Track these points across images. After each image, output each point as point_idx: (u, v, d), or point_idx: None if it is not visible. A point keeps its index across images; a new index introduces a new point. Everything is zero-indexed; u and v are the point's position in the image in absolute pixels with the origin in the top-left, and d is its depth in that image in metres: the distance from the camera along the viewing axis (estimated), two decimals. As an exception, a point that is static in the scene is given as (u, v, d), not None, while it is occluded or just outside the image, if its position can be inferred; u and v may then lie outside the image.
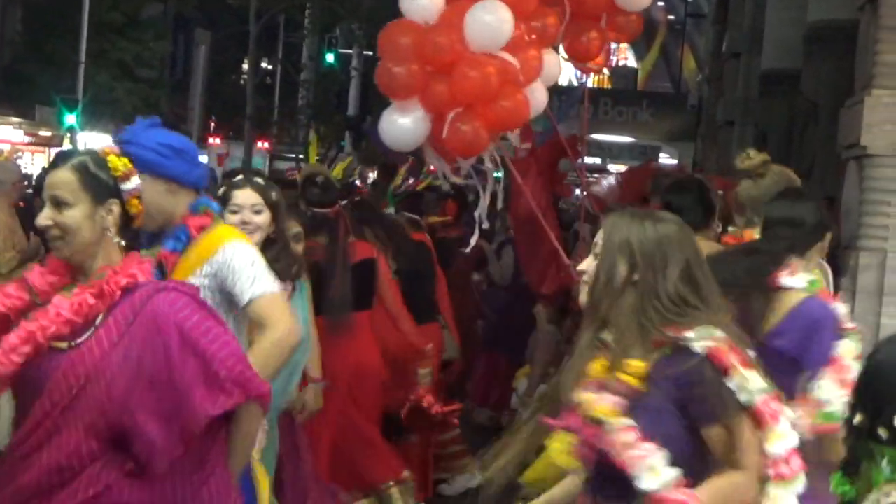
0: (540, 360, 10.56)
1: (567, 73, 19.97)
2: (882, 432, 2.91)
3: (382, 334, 8.97)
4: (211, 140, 41.26)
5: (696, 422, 3.99)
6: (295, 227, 6.88)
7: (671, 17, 45.55)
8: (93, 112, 40.09)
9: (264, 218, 5.94)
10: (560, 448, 4.34)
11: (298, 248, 6.99)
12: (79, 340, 4.03)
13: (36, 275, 4.17)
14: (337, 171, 10.60)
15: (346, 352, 8.37)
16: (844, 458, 3.12)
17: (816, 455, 4.57)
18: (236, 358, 4.14)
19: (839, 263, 8.77)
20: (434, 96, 8.59)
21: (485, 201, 9.57)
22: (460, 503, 10.10)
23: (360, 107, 40.41)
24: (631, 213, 4.23)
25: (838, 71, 10.95)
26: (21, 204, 10.64)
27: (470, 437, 10.41)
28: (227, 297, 5.16)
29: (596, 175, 23.86)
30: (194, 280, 5.06)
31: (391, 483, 8.63)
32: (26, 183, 10.82)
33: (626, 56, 61.03)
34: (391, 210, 10.62)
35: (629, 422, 3.94)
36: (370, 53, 41.11)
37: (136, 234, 4.43)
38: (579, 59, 10.03)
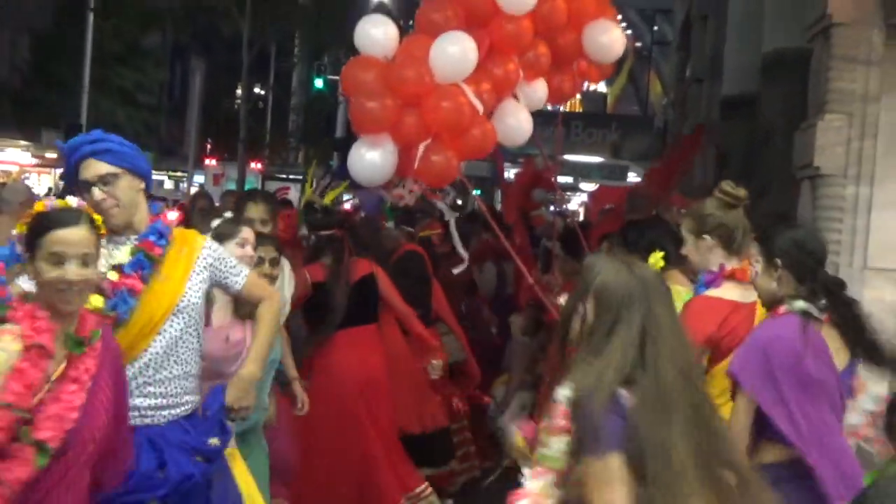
0: (516, 368, 10.55)
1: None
2: None
3: (392, 343, 9.00)
4: (207, 161, 41.27)
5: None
6: (271, 252, 6.82)
7: (638, 44, 45.63)
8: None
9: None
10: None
11: (274, 271, 6.91)
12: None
13: (40, 331, 4.10)
14: (328, 199, 10.61)
15: (357, 365, 8.41)
16: None
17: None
18: None
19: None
20: (405, 129, 8.37)
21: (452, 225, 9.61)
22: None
23: (348, 129, 40.31)
24: (611, 258, 4.18)
25: (793, 96, 10.98)
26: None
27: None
28: (219, 286, 5.38)
29: (568, 193, 23.93)
30: (197, 276, 5.20)
31: (402, 501, 8.59)
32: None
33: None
34: (390, 224, 10.61)
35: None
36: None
37: None
38: (554, 100, 10.00)
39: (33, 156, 45.11)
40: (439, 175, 8.60)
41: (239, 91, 37.24)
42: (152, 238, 5.13)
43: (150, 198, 5.46)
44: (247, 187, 29.35)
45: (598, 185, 28.25)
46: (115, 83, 43.85)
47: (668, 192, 12.53)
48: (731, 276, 5.75)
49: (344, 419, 8.35)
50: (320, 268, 8.51)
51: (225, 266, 5.35)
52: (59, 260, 4.11)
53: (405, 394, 9.16)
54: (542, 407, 4.23)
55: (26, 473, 3.95)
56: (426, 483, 8.86)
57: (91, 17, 40.23)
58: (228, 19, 32.96)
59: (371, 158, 8.32)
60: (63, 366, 4.11)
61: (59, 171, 39.33)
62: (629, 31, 42.63)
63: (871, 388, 5.27)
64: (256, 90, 41.59)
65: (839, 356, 5.11)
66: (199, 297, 5.18)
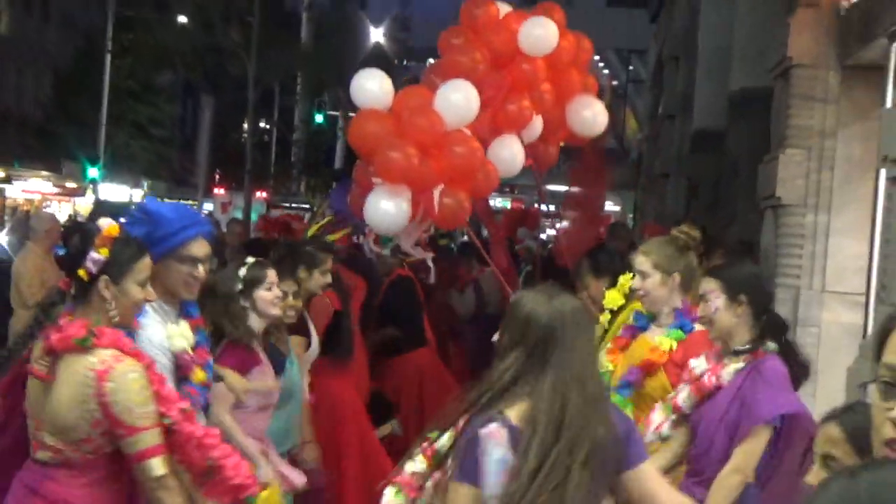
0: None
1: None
2: None
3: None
4: (216, 190, 41.19)
5: None
6: (291, 287, 6.73)
7: (615, 82, 45.75)
8: (112, 166, 40.10)
9: None
10: None
11: (297, 303, 6.78)
12: None
13: (139, 353, 4.15)
14: (312, 231, 10.54)
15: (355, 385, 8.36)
16: None
17: None
18: None
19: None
20: (421, 177, 8.18)
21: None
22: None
23: (346, 161, 40.30)
24: (539, 291, 3.96)
25: (757, 131, 11.01)
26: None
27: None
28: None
29: (550, 219, 23.94)
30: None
31: None
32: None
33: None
34: (386, 251, 10.54)
35: None
36: (353, 115, 41.16)
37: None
38: (541, 166, 9.91)
39: (54, 185, 45.02)
40: (454, 217, 8.52)
41: (245, 126, 37.27)
42: (193, 312, 5.08)
43: None
44: (253, 215, 29.30)
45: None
46: (130, 118, 43.93)
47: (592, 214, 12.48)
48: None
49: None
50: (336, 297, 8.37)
51: None
52: (145, 282, 4.19)
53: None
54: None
55: None
56: None
57: (108, 57, 40.32)
58: (235, 60, 33.02)
59: (387, 208, 8.16)
60: None
61: (79, 199, 39.20)
62: (606, 71, 42.87)
63: None
64: (261, 125, 41.60)
65: None
66: None
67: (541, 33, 8.77)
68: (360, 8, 39.47)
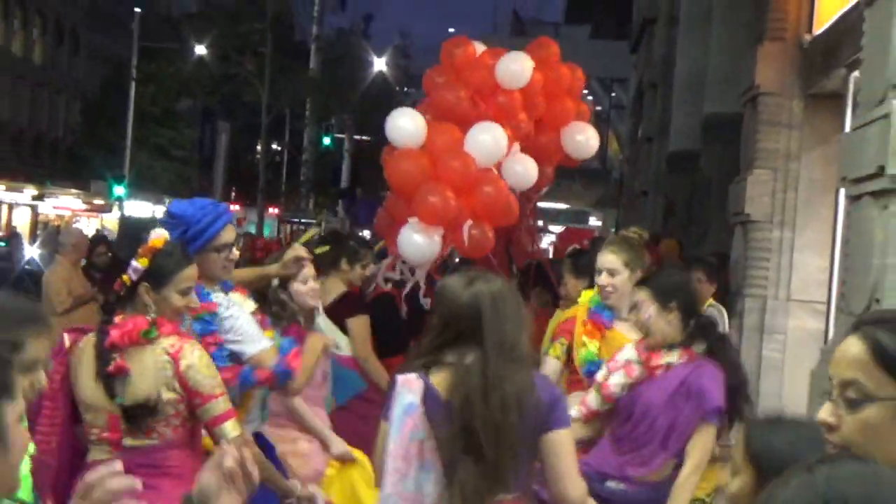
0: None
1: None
2: None
3: None
4: (231, 206, 41.28)
5: None
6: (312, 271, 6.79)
7: (599, 108, 45.73)
8: (136, 185, 40.13)
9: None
10: None
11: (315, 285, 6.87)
12: None
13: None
14: (302, 240, 10.47)
15: None
16: None
17: None
18: None
19: (730, 307, 8.83)
20: (457, 216, 8.29)
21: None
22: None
23: (351, 180, 40.37)
24: (461, 276, 3.97)
25: (728, 154, 11.01)
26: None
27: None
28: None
29: (539, 233, 23.96)
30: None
31: None
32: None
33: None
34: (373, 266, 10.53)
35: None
36: (358, 137, 41.17)
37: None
38: (537, 187, 9.81)
39: (83, 202, 45.15)
40: (479, 247, 8.60)
41: (258, 147, 37.26)
42: (228, 287, 5.12)
43: None
44: (265, 229, 29.31)
45: (564, 227, 28.28)
46: (153, 141, 43.93)
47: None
48: None
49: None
50: None
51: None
52: (188, 292, 4.22)
53: None
54: None
55: None
56: None
57: (133, 85, 40.34)
58: (250, 88, 33.03)
59: (420, 242, 8.26)
60: None
61: (106, 215, 39.18)
62: (590, 97, 42.84)
63: None
64: (273, 147, 41.60)
65: None
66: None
67: (517, 68, 8.88)
68: (364, 39, 39.39)
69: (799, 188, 9.14)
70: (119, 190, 39.30)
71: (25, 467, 2.81)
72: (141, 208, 41.64)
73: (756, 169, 9.22)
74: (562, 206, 40.56)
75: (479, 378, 3.64)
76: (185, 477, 4.01)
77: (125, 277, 4.19)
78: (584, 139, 9.54)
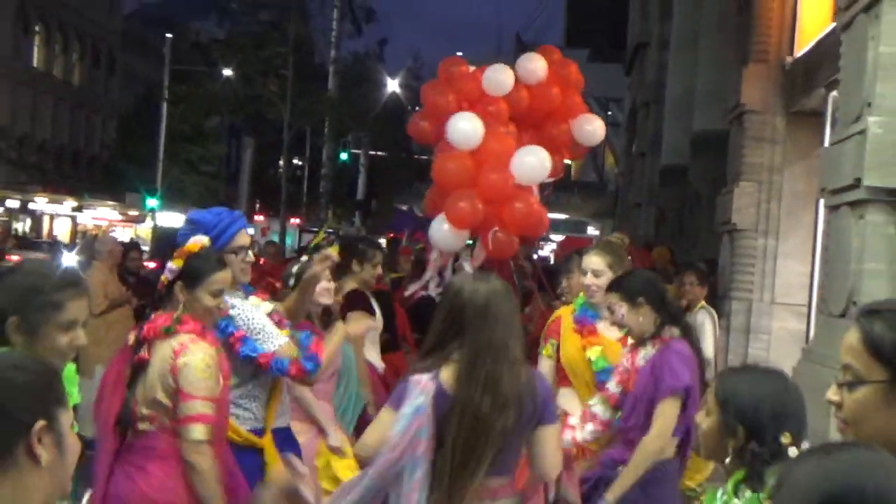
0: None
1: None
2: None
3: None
4: (256, 217, 41.30)
5: None
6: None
7: (595, 125, 45.63)
8: (168, 197, 40.21)
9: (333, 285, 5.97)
10: None
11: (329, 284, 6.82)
12: None
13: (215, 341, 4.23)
14: (315, 242, 10.44)
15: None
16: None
17: None
18: None
19: (718, 310, 8.83)
20: (485, 224, 8.54)
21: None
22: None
23: (367, 193, 40.40)
24: (469, 275, 4.09)
25: (716, 167, 11.01)
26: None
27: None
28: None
29: (541, 241, 24.01)
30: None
31: None
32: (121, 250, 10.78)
33: (563, 154, 61.00)
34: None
35: None
36: (373, 153, 41.20)
37: None
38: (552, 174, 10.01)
39: (119, 213, 45.26)
40: (503, 250, 8.76)
41: (281, 162, 37.27)
42: (248, 291, 5.09)
43: None
44: (287, 238, 29.32)
45: (564, 236, 28.29)
46: (183, 156, 44.03)
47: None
48: None
49: None
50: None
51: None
52: (219, 294, 4.20)
53: None
54: None
55: None
56: None
57: (165, 105, 40.40)
58: (273, 107, 33.06)
59: (448, 231, 8.57)
60: None
61: (140, 225, 39.28)
62: (588, 115, 42.85)
63: None
64: (295, 162, 41.63)
65: None
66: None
67: (501, 77, 9.11)
68: (379, 62, 39.34)
69: (782, 199, 9.13)
70: (152, 202, 39.38)
71: None
72: (172, 219, 41.65)
73: (742, 181, 9.22)
74: (562, 216, 40.56)
75: (478, 376, 3.67)
76: (169, 459, 4.05)
77: (163, 277, 4.23)
78: (592, 129, 9.84)
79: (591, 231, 40.01)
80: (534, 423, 3.74)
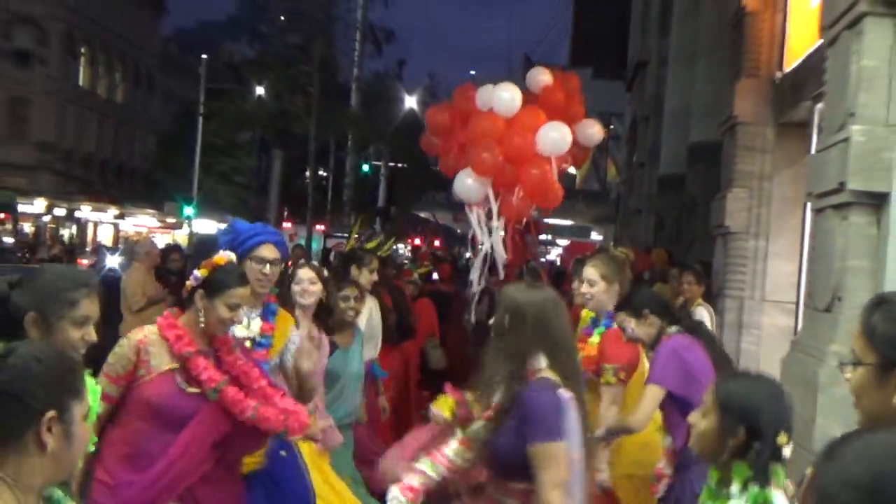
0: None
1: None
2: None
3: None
4: (284, 224, 41.39)
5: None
6: (354, 291, 6.74)
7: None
8: (203, 206, 40.33)
9: (318, 287, 5.88)
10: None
11: (358, 306, 6.73)
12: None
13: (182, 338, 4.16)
14: (371, 245, 10.48)
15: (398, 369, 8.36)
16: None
17: None
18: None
19: (712, 307, 8.82)
20: (501, 175, 9.54)
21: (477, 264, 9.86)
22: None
23: (386, 200, 40.39)
24: (521, 284, 4.03)
25: (710, 175, 11.01)
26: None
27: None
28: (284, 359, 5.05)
29: (548, 246, 24.03)
30: (285, 346, 5.05)
31: None
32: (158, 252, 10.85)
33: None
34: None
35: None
36: (392, 164, 41.23)
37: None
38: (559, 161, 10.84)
39: (157, 220, 45.50)
40: (522, 210, 9.86)
41: (307, 173, 37.31)
42: (270, 319, 5.03)
43: None
44: (313, 244, 29.34)
45: (570, 241, 28.26)
46: (217, 168, 44.12)
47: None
48: None
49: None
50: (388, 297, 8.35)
51: (293, 349, 5.12)
52: (235, 307, 4.15)
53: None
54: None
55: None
56: None
57: (200, 120, 40.52)
58: (300, 122, 33.11)
59: (471, 184, 9.58)
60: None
61: (177, 231, 39.42)
62: (592, 129, 42.83)
63: None
64: (320, 173, 41.66)
65: None
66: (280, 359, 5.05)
67: (507, 96, 10.05)
68: (398, 80, 39.46)
69: (771, 204, 9.13)
70: (188, 210, 39.48)
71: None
72: (207, 226, 41.79)
73: (734, 188, 9.21)
74: (568, 222, 40.54)
75: (575, 377, 3.76)
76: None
77: (188, 283, 4.23)
78: (592, 132, 11.02)
79: (595, 236, 39.93)
80: None
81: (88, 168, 53.97)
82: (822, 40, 6.58)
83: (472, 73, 42.89)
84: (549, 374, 3.68)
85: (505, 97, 9.87)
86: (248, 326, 4.91)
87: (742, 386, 2.88)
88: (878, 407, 2.21)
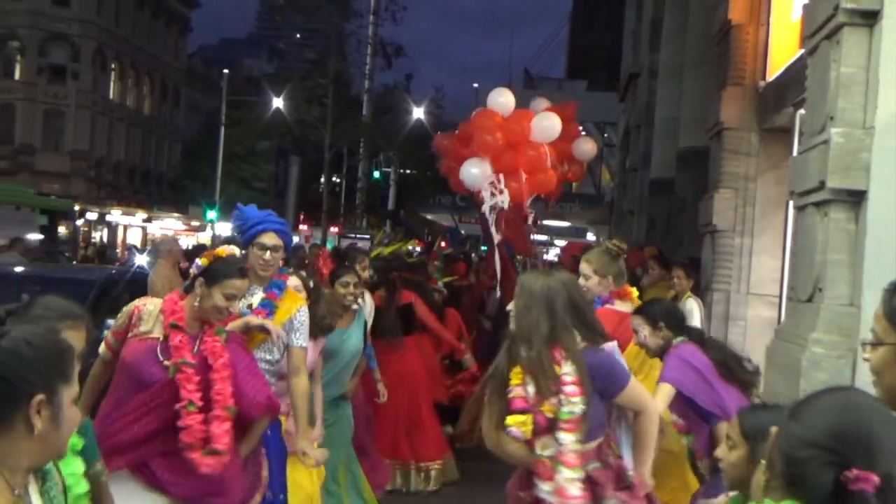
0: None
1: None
2: None
3: (426, 351, 8.88)
4: (301, 226, 41.44)
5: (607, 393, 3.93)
6: (353, 278, 6.77)
7: (593, 146, 45.42)
8: (225, 210, 40.34)
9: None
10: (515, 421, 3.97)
11: (356, 291, 6.78)
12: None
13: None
14: (389, 251, 10.50)
15: (404, 363, 8.34)
16: None
17: None
18: (263, 385, 4.32)
19: (701, 300, 8.82)
20: (503, 160, 10.35)
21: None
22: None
23: (396, 204, 40.39)
24: (537, 271, 4.23)
25: (698, 178, 11.00)
26: (182, 265, 10.68)
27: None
28: (287, 338, 5.00)
29: (544, 246, 23.99)
30: (288, 323, 4.97)
31: (437, 463, 8.37)
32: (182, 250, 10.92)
33: (565, 171, 60.81)
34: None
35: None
36: (401, 171, 41.25)
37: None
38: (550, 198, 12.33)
39: (182, 223, 45.56)
40: (515, 194, 10.43)
41: (322, 179, 37.35)
42: (275, 290, 5.03)
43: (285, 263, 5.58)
44: (328, 244, 29.37)
45: (567, 242, 28.22)
46: (238, 175, 44.25)
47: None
48: (619, 296, 5.92)
49: (397, 408, 8.18)
50: (378, 297, 8.34)
51: (299, 327, 5.05)
52: (231, 297, 4.15)
53: (437, 379, 9.12)
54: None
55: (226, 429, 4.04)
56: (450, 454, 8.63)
57: (222, 130, 40.58)
58: (315, 131, 33.14)
59: (475, 171, 10.40)
60: (202, 346, 4.14)
61: (201, 234, 39.45)
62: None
63: None
64: (334, 178, 41.68)
65: None
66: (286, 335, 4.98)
67: (503, 100, 11.08)
68: (406, 93, 39.40)
69: (756, 204, 9.11)
70: (211, 214, 39.61)
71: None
72: (228, 229, 41.92)
73: (721, 189, 9.20)
74: (565, 224, 40.54)
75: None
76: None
77: (192, 270, 4.26)
78: (587, 148, 12.09)
79: (590, 236, 39.91)
80: None
81: (118, 175, 54.05)
82: (802, 50, 6.59)
83: (475, 85, 42.86)
84: (584, 344, 3.88)
85: (501, 100, 10.94)
86: (251, 295, 4.94)
87: (767, 416, 2.84)
88: None
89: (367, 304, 7.50)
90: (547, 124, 10.59)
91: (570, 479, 3.79)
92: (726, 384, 4.78)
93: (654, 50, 17.19)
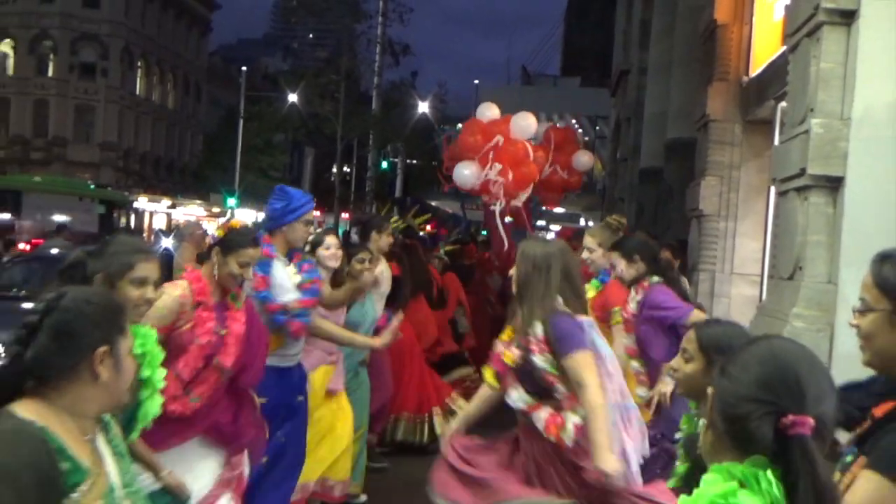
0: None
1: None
2: None
3: (423, 318, 8.73)
4: (315, 213, 41.56)
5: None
6: (367, 255, 6.72)
7: (587, 137, 45.47)
8: (244, 198, 40.43)
9: (341, 253, 6.07)
10: (489, 374, 4.16)
11: (371, 267, 6.69)
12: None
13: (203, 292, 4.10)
14: (419, 221, 11.00)
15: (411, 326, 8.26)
16: None
17: None
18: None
19: (688, 279, 8.84)
20: (484, 155, 11.07)
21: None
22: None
23: (403, 192, 40.38)
24: (535, 238, 4.24)
25: (685, 167, 11.00)
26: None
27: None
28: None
29: (542, 231, 24.00)
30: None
31: (439, 410, 8.25)
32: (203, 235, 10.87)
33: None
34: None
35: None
36: (408, 161, 41.22)
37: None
38: (549, 203, 14.37)
39: (204, 210, 45.41)
40: (507, 191, 11.23)
41: (334, 169, 37.34)
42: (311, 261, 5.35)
43: None
44: (339, 229, 29.39)
45: (561, 227, 28.24)
46: (256, 165, 44.22)
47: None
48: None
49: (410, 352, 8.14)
50: (397, 266, 8.23)
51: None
52: (245, 265, 4.15)
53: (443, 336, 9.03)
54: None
55: (211, 390, 4.02)
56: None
57: (241, 123, 40.52)
58: (328, 123, 33.11)
59: (466, 172, 11.20)
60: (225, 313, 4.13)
61: (222, 219, 39.57)
62: (580, 130, 42.71)
63: None
64: (345, 168, 41.65)
65: None
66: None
67: (489, 114, 12.06)
68: (412, 88, 39.31)
69: (739, 190, 9.12)
70: (231, 201, 39.57)
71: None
72: (247, 215, 41.89)
73: (707, 176, 9.21)
74: (559, 210, 40.57)
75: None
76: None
77: (207, 240, 4.29)
78: (585, 159, 13.49)
79: (583, 222, 39.96)
80: None
81: (144, 164, 54.02)
82: (784, 47, 6.58)
83: (476, 82, 42.74)
84: (566, 309, 3.82)
85: (487, 113, 11.94)
86: (293, 268, 5.11)
87: (721, 330, 2.90)
88: (891, 346, 2.20)
89: (385, 273, 7.35)
90: (523, 123, 11.43)
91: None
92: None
93: (643, 49, 17.15)
